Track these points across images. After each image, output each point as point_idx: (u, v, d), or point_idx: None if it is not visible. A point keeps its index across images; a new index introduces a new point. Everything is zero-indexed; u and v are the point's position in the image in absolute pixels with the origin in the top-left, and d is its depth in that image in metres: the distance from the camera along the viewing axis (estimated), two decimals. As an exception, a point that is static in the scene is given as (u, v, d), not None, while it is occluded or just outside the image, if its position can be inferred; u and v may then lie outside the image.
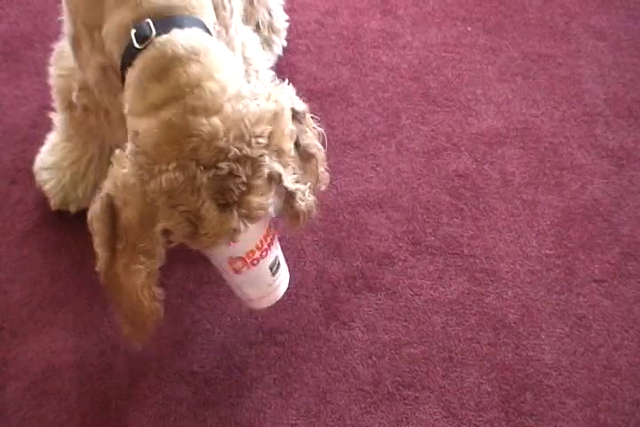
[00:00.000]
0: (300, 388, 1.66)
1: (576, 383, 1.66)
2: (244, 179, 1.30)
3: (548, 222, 1.91)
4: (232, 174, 1.29)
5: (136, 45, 1.36)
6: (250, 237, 1.40)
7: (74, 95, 1.63)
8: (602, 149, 2.05)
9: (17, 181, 1.93)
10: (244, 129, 1.29)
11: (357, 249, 1.86)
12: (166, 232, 1.34)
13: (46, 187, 1.86)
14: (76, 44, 1.54)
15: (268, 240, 1.46)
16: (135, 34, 1.37)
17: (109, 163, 1.78)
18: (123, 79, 1.41)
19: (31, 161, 1.89)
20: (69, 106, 1.68)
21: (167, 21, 1.38)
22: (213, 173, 1.28)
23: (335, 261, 1.84)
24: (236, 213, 1.31)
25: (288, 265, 1.75)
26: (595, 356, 1.70)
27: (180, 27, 1.37)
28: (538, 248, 1.86)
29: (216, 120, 1.28)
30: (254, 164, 1.30)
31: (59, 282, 1.79)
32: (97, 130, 1.68)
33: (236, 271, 1.46)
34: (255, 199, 1.32)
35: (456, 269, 1.83)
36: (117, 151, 1.35)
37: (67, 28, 1.58)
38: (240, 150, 1.29)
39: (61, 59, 1.68)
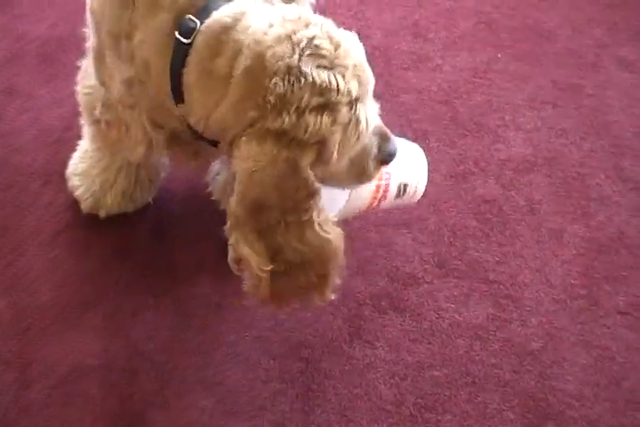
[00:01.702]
0: (321, 404, 1.67)
1: (599, 415, 1.66)
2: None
3: (574, 252, 1.92)
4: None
5: (185, 41, 1.37)
6: None
7: (97, 111, 1.63)
8: (629, 181, 2.07)
9: (49, 183, 1.94)
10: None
11: (383, 269, 1.87)
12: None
13: (77, 192, 1.88)
14: (99, 57, 1.54)
15: None
16: (179, 32, 1.38)
17: (137, 176, 1.81)
18: (174, 89, 1.41)
19: (64, 163, 1.90)
20: (95, 121, 1.69)
21: (205, 9, 1.39)
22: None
23: (361, 280, 1.85)
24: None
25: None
26: (618, 389, 1.70)
27: (217, 8, 1.38)
28: (563, 277, 1.87)
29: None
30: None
31: (87, 284, 1.80)
32: (119, 144, 1.68)
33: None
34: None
35: (481, 295, 1.84)
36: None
37: (91, 40, 1.58)
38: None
39: (85, 77, 1.68)
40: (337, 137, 1.32)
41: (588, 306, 1.83)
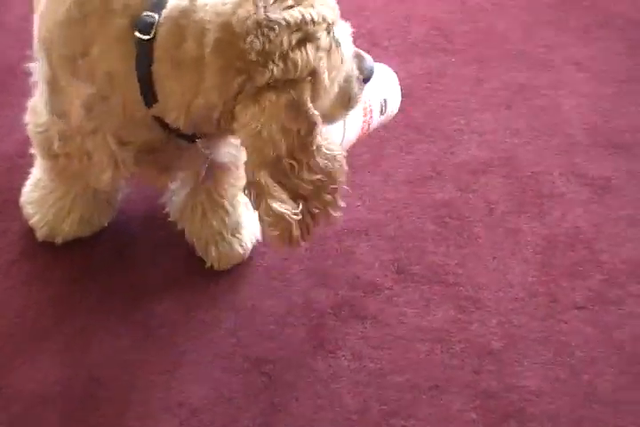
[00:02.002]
0: (285, 418, 1.66)
1: (559, 410, 1.67)
2: None
3: (531, 250, 1.93)
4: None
5: (146, 37, 1.38)
6: None
7: (55, 146, 1.61)
8: (582, 177, 2.09)
9: (3, 211, 1.93)
10: None
11: (344, 277, 1.88)
12: None
13: (32, 221, 1.87)
14: (53, 86, 1.53)
15: None
16: (139, 30, 1.39)
17: (95, 200, 1.81)
18: (144, 90, 1.41)
19: (18, 191, 1.90)
20: (52, 155, 1.67)
21: (159, 2, 1.41)
22: None
23: (322, 290, 1.86)
24: None
25: (272, 294, 1.78)
26: (577, 382, 1.71)
27: None
28: (521, 276, 1.89)
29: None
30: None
31: (45, 312, 1.79)
32: (80, 174, 1.68)
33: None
34: None
35: (441, 298, 1.85)
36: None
37: (41, 73, 1.57)
38: None
39: (35, 115, 1.67)
40: (324, 63, 1.36)
41: (547, 303, 1.84)
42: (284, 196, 1.40)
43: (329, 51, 1.36)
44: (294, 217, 1.41)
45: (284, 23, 1.32)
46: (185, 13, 1.37)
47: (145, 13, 1.39)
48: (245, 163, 1.42)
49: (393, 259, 1.92)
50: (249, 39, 1.31)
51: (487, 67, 2.38)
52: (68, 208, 1.85)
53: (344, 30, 1.43)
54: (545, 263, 1.91)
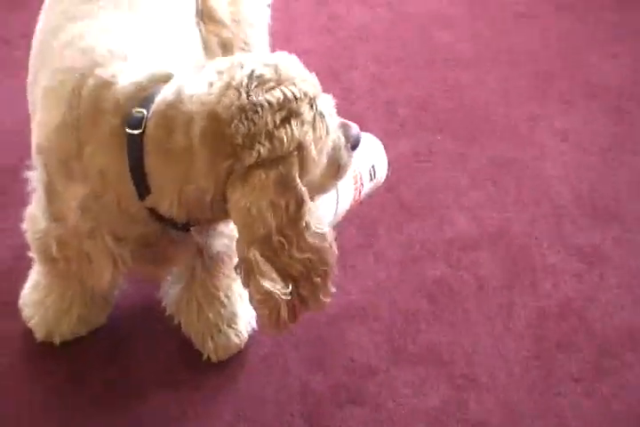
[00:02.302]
0: None
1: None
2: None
3: (524, 323, 1.94)
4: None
5: (136, 132, 1.43)
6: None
7: (54, 251, 1.64)
8: (571, 247, 2.11)
9: (1, 314, 1.96)
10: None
11: (340, 362, 1.89)
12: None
13: (31, 322, 1.90)
14: (50, 191, 1.58)
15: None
16: (129, 126, 1.44)
17: (92, 298, 1.84)
18: (137, 183, 1.46)
19: (16, 293, 1.93)
20: (51, 260, 1.70)
21: (148, 98, 1.46)
22: None
23: (318, 376, 1.87)
24: None
25: (270, 382, 1.79)
26: (577, 456, 1.71)
27: (159, 93, 1.46)
28: (515, 350, 1.89)
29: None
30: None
31: (44, 414, 1.80)
32: (79, 276, 1.71)
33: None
34: None
35: (437, 377, 1.86)
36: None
37: (38, 180, 1.62)
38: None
39: (33, 223, 1.70)
40: (310, 136, 1.39)
41: (543, 376, 1.84)
42: (274, 275, 1.42)
43: (313, 124, 1.40)
44: (283, 297, 1.43)
45: (266, 105, 1.37)
46: (172, 106, 1.43)
47: (135, 109, 1.45)
48: (237, 240, 1.45)
49: (387, 340, 1.93)
50: (234, 124, 1.36)
51: (472, 142, 2.43)
52: (66, 309, 1.88)
53: (327, 102, 1.47)
54: (539, 336, 1.92)
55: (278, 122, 1.37)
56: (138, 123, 1.44)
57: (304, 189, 1.41)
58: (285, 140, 1.37)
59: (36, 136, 1.61)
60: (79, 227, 1.56)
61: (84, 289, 1.85)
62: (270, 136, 1.37)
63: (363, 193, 1.78)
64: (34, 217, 1.71)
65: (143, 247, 1.60)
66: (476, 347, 1.91)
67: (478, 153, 2.39)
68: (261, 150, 1.37)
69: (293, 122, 1.38)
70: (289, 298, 1.44)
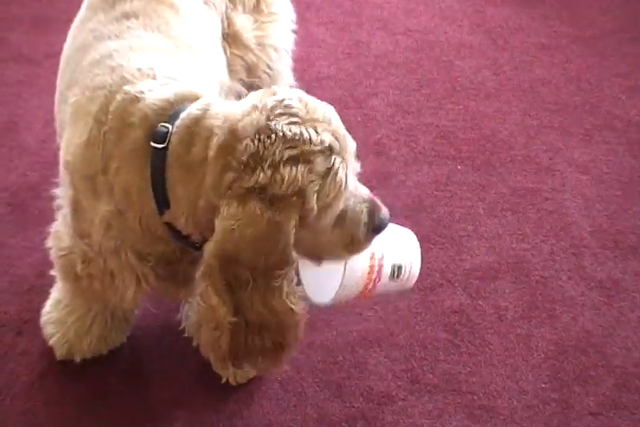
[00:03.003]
0: None
1: None
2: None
3: (543, 356, 1.95)
4: None
5: (160, 146, 1.43)
6: None
7: (78, 268, 1.66)
8: (591, 280, 2.11)
9: (23, 332, 1.98)
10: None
11: (357, 389, 1.90)
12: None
13: (52, 340, 1.92)
14: (76, 207, 1.59)
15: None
16: (154, 140, 1.44)
17: (113, 317, 1.85)
18: (158, 198, 1.46)
19: (37, 311, 1.95)
20: (74, 277, 1.71)
21: (174, 114, 1.47)
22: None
23: (336, 403, 1.87)
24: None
25: (288, 407, 1.79)
26: None
27: (185, 109, 1.47)
28: (534, 382, 1.89)
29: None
30: None
31: (61, 435, 1.81)
32: (102, 294, 1.70)
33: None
34: None
35: (455, 407, 1.86)
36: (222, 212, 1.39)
37: (64, 196, 1.64)
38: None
39: (58, 240, 1.72)
40: (314, 187, 1.35)
41: (561, 410, 1.84)
42: (226, 297, 1.40)
43: (323, 177, 1.36)
44: (222, 324, 1.40)
45: (280, 134, 1.35)
46: (197, 121, 1.43)
47: (161, 124, 1.46)
48: (210, 243, 1.40)
49: (406, 369, 1.94)
50: (245, 141, 1.35)
51: (492, 172, 2.44)
52: (87, 327, 1.89)
53: (349, 166, 1.41)
54: (557, 369, 1.92)
55: (285, 157, 1.34)
56: (162, 137, 1.45)
57: (294, 254, 1.40)
58: (286, 178, 1.34)
59: (64, 152, 1.62)
60: (103, 244, 1.57)
61: (105, 308, 1.86)
62: (274, 168, 1.34)
63: (378, 287, 1.62)
64: (59, 234, 1.72)
65: (165, 265, 1.60)
66: (495, 378, 1.91)
67: (498, 183, 2.40)
68: (261, 177, 1.34)
69: (301, 166, 1.35)
70: (232, 328, 1.41)
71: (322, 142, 1.36)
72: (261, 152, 1.35)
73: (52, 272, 1.86)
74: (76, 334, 1.89)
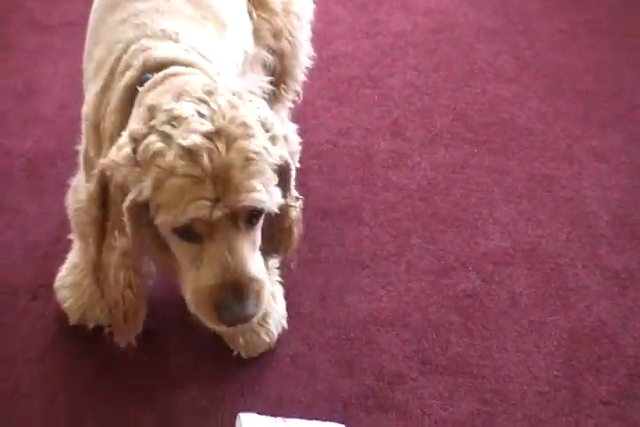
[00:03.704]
0: None
1: None
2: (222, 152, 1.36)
3: (555, 343, 1.94)
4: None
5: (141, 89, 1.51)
6: None
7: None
8: (606, 270, 2.11)
9: (38, 297, 1.98)
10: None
11: (368, 367, 1.89)
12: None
13: (65, 304, 1.91)
14: (85, 156, 1.64)
15: None
16: (140, 85, 1.52)
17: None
18: None
19: (52, 277, 1.95)
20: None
21: (164, 65, 1.55)
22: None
23: (346, 380, 1.87)
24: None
25: (298, 383, 1.78)
26: (604, 480, 1.71)
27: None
28: (546, 369, 1.89)
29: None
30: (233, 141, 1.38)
31: (75, 399, 1.82)
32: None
33: None
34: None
35: (465, 390, 1.85)
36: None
37: (81, 146, 1.68)
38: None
39: (75, 193, 1.75)
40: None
41: (572, 397, 1.84)
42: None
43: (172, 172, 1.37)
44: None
45: (186, 115, 1.39)
46: (165, 77, 1.51)
47: (150, 73, 1.54)
48: None
49: (417, 349, 1.93)
50: (161, 113, 1.41)
51: (509, 158, 2.42)
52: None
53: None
54: (569, 357, 1.92)
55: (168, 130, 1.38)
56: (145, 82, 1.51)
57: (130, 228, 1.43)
58: (151, 147, 1.38)
59: (85, 105, 1.66)
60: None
61: None
62: (164, 136, 1.38)
63: None
64: (77, 188, 1.74)
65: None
66: (507, 363, 1.91)
67: (515, 168, 2.39)
68: (149, 138, 1.39)
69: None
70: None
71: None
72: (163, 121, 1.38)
73: (70, 236, 1.86)
74: (90, 298, 1.88)
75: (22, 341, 1.91)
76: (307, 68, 2.23)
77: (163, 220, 1.40)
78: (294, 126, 2.35)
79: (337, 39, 2.86)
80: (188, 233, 1.42)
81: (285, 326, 1.92)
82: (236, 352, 1.89)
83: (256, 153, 1.39)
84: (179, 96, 1.42)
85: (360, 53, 2.81)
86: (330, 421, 1.78)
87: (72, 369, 1.87)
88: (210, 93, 1.42)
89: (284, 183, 1.51)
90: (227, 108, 1.40)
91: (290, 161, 1.52)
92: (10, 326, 1.94)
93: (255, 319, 1.51)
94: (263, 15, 1.96)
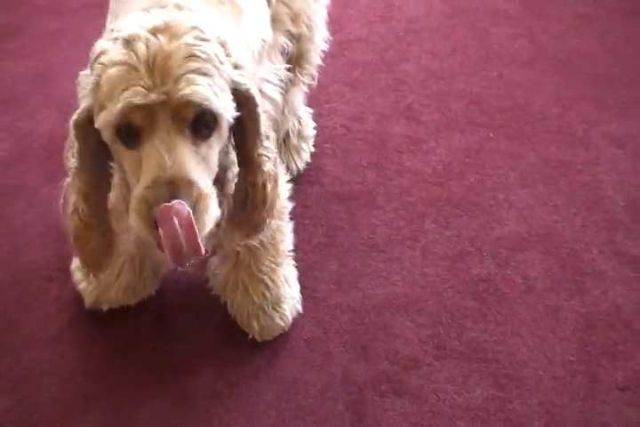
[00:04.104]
0: None
1: None
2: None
3: (571, 328, 1.94)
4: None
5: None
6: None
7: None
8: (622, 255, 2.09)
9: (54, 279, 2.00)
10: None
11: (383, 352, 1.89)
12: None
13: (81, 286, 1.92)
14: None
15: None
16: None
17: (141, 268, 1.85)
18: None
19: (68, 260, 1.96)
20: None
21: None
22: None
23: (361, 364, 1.87)
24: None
25: (313, 366, 1.78)
26: (619, 465, 1.71)
27: None
28: (561, 354, 1.89)
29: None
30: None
31: (92, 379, 1.83)
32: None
33: None
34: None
35: (480, 374, 1.85)
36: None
37: None
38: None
39: None
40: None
41: (588, 382, 1.83)
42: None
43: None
44: None
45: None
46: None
47: None
48: None
49: (432, 334, 1.93)
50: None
51: (525, 142, 2.41)
52: (115, 275, 1.89)
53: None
54: (585, 342, 1.91)
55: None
56: None
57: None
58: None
59: None
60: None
61: (133, 258, 1.86)
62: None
63: None
64: None
65: None
66: (521, 348, 1.90)
67: (531, 153, 2.38)
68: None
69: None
70: None
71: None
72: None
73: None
74: (105, 281, 1.89)
75: (40, 321, 1.92)
76: (322, 51, 2.22)
77: (102, 119, 1.37)
78: (310, 110, 2.35)
79: (351, 23, 2.85)
80: (129, 136, 1.37)
81: (300, 309, 1.92)
82: (250, 336, 1.89)
83: (202, 52, 1.37)
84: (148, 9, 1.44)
85: (374, 38, 2.80)
86: (344, 405, 1.78)
87: (87, 350, 1.88)
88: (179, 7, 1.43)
89: (250, 122, 1.48)
90: (183, 16, 1.41)
91: (255, 96, 1.47)
92: (28, 308, 1.95)
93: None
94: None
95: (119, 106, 1.33)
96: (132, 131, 1.36)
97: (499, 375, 1.85)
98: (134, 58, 1.34)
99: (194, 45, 1.37)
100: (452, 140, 2.42)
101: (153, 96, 1.32)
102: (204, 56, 1.37)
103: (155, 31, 1.37)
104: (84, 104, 1.41)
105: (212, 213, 1.39)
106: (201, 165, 1.39)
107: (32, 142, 2.34)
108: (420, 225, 2.18)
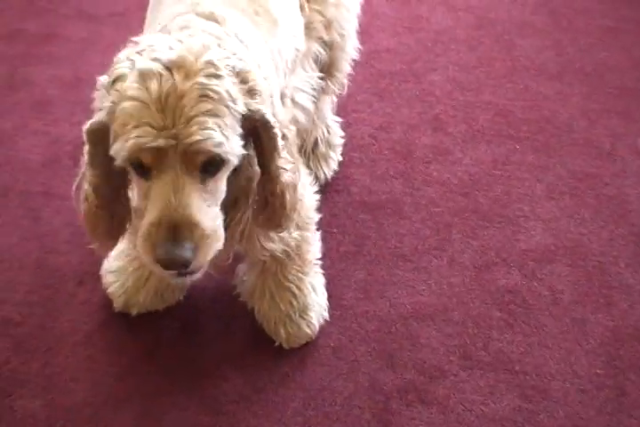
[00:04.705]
0: None
1: None
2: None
3: (598, 341, 1.94)
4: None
5: None
6: None
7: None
8: (650, 269, 2.10)
9: (84, 283, 2.02)
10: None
11: (410, 361, 1.90)
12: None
13: (110, 289, 1.94)
14: None
15: None
16: None
17: None
18: None
19: (98, 263, 1.97)
20: None
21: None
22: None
23: (388, 373, 1.87)
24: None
25: (339, 374, 1.79)
26: (646, 479, 1.70)
27: None
28: (588, 367, 1.89)
29: None
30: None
31: (120, 383, 1.84)
32: None
33: None
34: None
35: (507, 386, 1.85)
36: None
37: None
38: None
39: None
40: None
41: (615, 396, 1.83)
42: None
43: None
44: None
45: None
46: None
47: None
48: None
49: (458, 344, 1.93)
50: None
51: (551, 154, 2.42)
52: (144, 279, 1.91)
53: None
54: (612, 356, 1.91)
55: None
56: None
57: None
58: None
59: None
60: None
61: None
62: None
63: None
64: None
65: None
66: (548, 360, 1.90)
67: (557, 165, 2.38)
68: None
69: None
70: None
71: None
72: None
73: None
74: (134, 284, 1.91)
75: (69, 325, 1.94)
76: (352, 59, 2.23)
77: (115, 150, 1.39)
78: (338, 119, 2.36)
79: (379, 34, 2.86)
80: (141, 168, 1.39)
81: (327, 317, 1.93)
82: (277, 343, 1.90)
83: (215, 92, 1.37)
84: (166, 31, 1.47)
85: (402, 49, 2.81)
86: (371, 413, 1.79)
87: (115, 354, 1.89)
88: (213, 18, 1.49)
89: (267, 140, 1.49)
90: (200, 47, 1.41)
91: (270, 119, 1.47)
92: (57, 309, 1.97)
93: (197, 269, 1.45)
94: (316, 7, 1.96)
95: (129, 144, 1.36)
96: (143, 165, 1.39)
97: (525, 387, 1.85)
98: (146, 95, 1.35)
99: (207, 85, 1.37)
100: (478, 152, 2.42)
101: (161, 141, 1.34)
102: (216, 97, 1.37)
103: (170, 66, 1.37)
104: (98, 117, 1.43)
105: (213, 250, 1.44)
106: (208, 200, 1.42)
107: (62, 147, 2.36)
108: (446, 235, 2.18)
